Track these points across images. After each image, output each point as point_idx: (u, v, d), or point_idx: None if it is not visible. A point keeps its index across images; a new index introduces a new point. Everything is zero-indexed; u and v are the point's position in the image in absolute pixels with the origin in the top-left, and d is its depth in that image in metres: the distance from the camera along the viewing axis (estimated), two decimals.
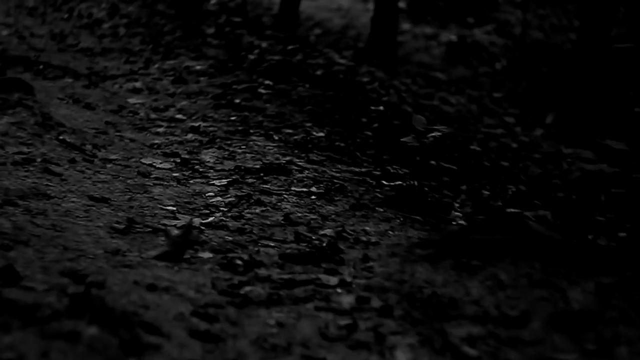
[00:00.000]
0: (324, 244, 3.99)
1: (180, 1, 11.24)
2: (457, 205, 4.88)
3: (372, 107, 6.86)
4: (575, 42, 9.08)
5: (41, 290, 3.15)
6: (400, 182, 4.97)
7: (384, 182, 5.01)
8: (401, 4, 13.46)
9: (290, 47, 8.59)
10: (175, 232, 3.86)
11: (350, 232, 4.19)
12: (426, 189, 4.97)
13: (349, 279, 3.70)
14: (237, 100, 6.60)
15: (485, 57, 15.75)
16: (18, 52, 7.15)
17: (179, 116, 6.12)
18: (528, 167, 6.81)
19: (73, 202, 4.20)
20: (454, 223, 4.51)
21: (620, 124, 7.37)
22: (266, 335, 3.16)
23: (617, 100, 8.24)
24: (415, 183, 4.82)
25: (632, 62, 8.78)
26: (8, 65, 6.41)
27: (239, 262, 3.78)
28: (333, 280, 3.69)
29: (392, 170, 5.37)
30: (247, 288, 3.56)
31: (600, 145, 5.56)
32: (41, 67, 6.61)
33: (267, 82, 7.19)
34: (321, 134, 5.84)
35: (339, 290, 3.61)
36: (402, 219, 4.37)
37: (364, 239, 4.12)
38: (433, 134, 4.60)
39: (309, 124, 6.11)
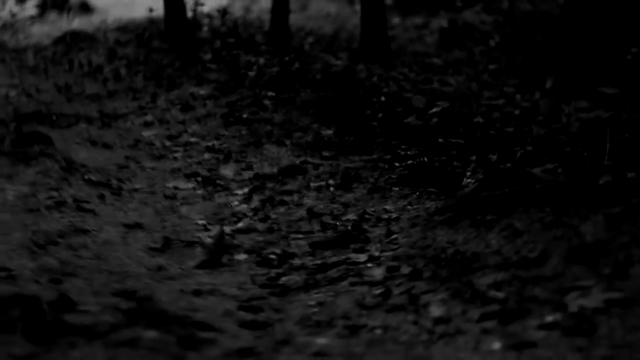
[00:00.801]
0: (349, 227, 4.24)
1: (172, 35, 11.53)
2: (468, 173, 5.12)
3: (374, 99, 7.11)
4: (563, 5, 9.29)
5: (96, 311, 3.41)
6: (411, 162, 5.21)
7: (396, 164, 5.25)
8: (388, 0, 13.71)
9: (287, 59, 8.85)
10: (209, 240, 4.12)
11: (371, 213, 4.44)
12: (437, 164, 5.22)
13: (377, 254, 3.95)
14: (245, 115, 6.87)
15: (478, 37, 15.96)
16: (29, 109, 7.44)
17: (192, 139, 6.39)
18: (532, 129, 7.03)
19: (109, 232, 4.46)
20: (466, 189, 4.75)
21: (613, 71, 7.59)
22: (309, 315, 3.42)
23: (608, 50, 8.46)
24: (426, 159, 5.07)
25: (619, 10, 8.99)
26: (22, 122, 6.69)
27: (272, 257, 4.04)
28: (362, 257, 3.94)
29: (402, 153, 5.62)
30: (284, 278, 3.82)
31: (595, 93, 5.79)
32: (54, 117, 6.89)
33: (270, 93, 7.46)
34: (330, 132, 6.10)
35: (369, 265, 3.86)
36: (418, 194, 4.61)
37: (385, 216, 4.36)
38: (434, 110, 4.84)
39: (316, 125, 6.37)
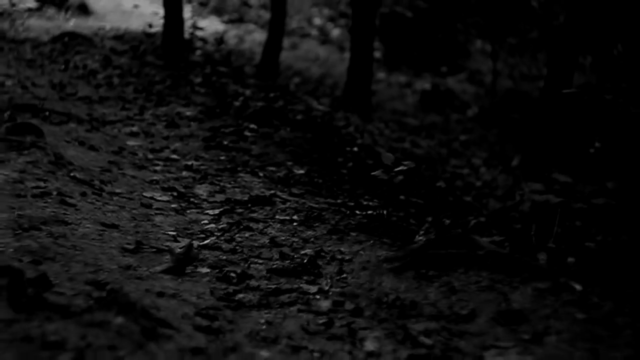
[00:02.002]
0: (305, 261, 4.66)
1: (167, 53, 11.96)
2: (421, 232, 5.55)
3: (348, 148, 7.56)
4: (541, 89, 9.77)
5: (71, 295, 3.82)
6: (371, 212, 5.64)
7: (357, 211, 5.69)
8: (376, 54, 14.20)
9: (272, 95, 9.30)
10: (178, 250, 4.54)
11: (327, 251, 4.86)
12: (394, 218, 5.67)
13: (326, 288, 4.37)
14: (225, 142, 7.30)
15: (458, 105, 16.44)
16: (24, 101, 7.82)
17: (173, 156, 6.80)
18: (488, 202, 7.47)
19: (88, 227, 4.86)
20: (415, 244, 5.19)
21: (573, 161, 8.07)
22: (258, 330, 3.83)
23: (573, 141, 8.94)
24: (385, 212, 5.51)
25: (588, 108, 9.50)
26: (17, 112, 7.08)
27: (232, 275, 4.45)
28: (313, 289, 4.36)
29: (364, 203, 6.05)
30: (240, 295, 4.23)
31: (549, 179, 6.26)
32: (47, 113, 7.29)
33: (251, 125, 7.90)
34: (301, 171, 6.53)
35: (317, 296, 4.28)
36: (372, 242, 5.04)
37: (339, 257, 4.78)
38: (400, 168, 5.28)
39: (290, 163, 6.80)
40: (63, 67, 10.07)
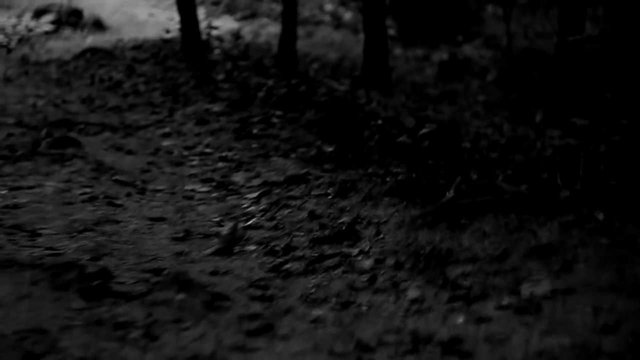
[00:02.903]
0: (343, 228, 4.95)
1: (187, 55, 12.29)
2: (451, 189, 5.81)
3: (372, 122, 7.84)
4: (556, 44, 9.99)
5: (131, 283, 4.13)
6: (401, 177, 5.92)
7: (387, 179, 5.97)
8: (390, 32, 14.42)
9: (293, 82, 9.58)
10: (224, 232, 4.85)
11: (364, 217, 5.15)
12: (424, 180, 5.94)
13: (366, 249, 4.66)
14: (255, 131, 7.61)
15: (477, 71, 16.63)
16: (57, 117, 8.16)
17: (207, 150, 7.12)
18: (514, 157, 7.73)
19: (137, 223, 5.17)
20: (445, 198, 5.46)
21: (591, 107, 8.30)
22: (308, 294, 4.13)
23: (590, 89, 9.17)
24: (414, 175, 5.79)
25: (601, 56, 9.72)
26: (53, 128, 7.42)
27: (277, 248, 4.76)
28: (354, 251, 4.66)
29: (393, 170, 6.33)
30: (287, 265, 4.53)
31: (568, 124, 6.51)
32: (82, 126, 7.62)
33: (277, 112, 8.20)
34: (330, 149, 6.82)
35: (359, 257, 4.58)
36: (405, 203, 5.32)
37: (375, 220, 5.07)
38: (423, 131, 5.56)
39: (319, 142, 7.09)
40: (89, 81, 10.41)
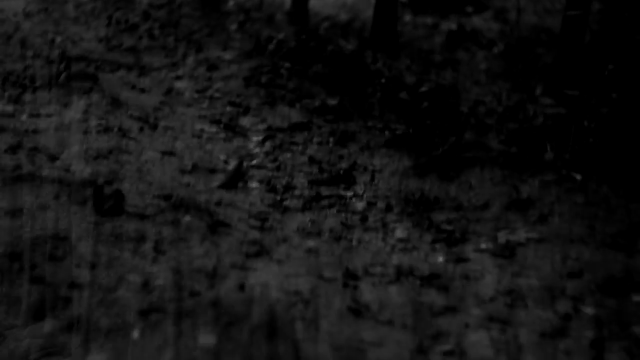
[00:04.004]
0: (341, 172, 5.30)
1: (202, 4, 12.58)
2: (445, 146, 6.15)
3: (376, 81, 8.18)
4: (562, 20, 10.27)
5: (142, 205, 4.48)
6: (399, 132, 6.27)
7: (386, 132, 6.32)
8: None
9: (303, 37, 9.89)
10: (230, 168, 5.20)
11: (360, 164, 5.50)
12: (420, 136, 6.29)
13: (360, 192, 5.02)
14: (263, 80, 7.95)
15: (484, 43, 16.91)
16: (75, 53, 8.49)
17: (217, 94, 7.46)
18: (509, 124, 8.07)
19: (148, 154, 5.52)
20: (437, 152, 5.81)
21: (584, 80, 8.63)
22: (303, 227, 4.49)
23: (588, 63, 9.48)
24: (411, 131, 6.14)
25: (603, 34, 10.03)
26: (71, 63, 7.75)
27: (278, 186, 5.11)
28: (349, 194, 5.01)
29: (392, 125, 6.68)
30: (287, 202, 4.89)
31: (561, 94, 6.85)
32: (99, 63, 7.95)
33: (286, 64, 8.54)
34: (334, 102, 7.17)
35: (353, 199, 4.93)
36: (400, 155, 5.67)
37: (370, 168, 5.42)
38: (422, 89, 5.89)
39: (323, 95, 7.44)
40: (106, 22, 10.71)
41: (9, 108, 6.19)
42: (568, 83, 9.50)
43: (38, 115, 5.99)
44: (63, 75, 6.87)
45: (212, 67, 8.45)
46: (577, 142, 6.04)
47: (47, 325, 3.10)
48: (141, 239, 3.91)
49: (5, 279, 3.40)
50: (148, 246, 3.82)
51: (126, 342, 2.94)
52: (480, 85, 11.34)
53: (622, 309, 3.67)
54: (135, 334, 2.97)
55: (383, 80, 8.17)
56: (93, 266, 3.57)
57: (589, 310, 3.64)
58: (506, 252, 4.09)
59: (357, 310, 3.50)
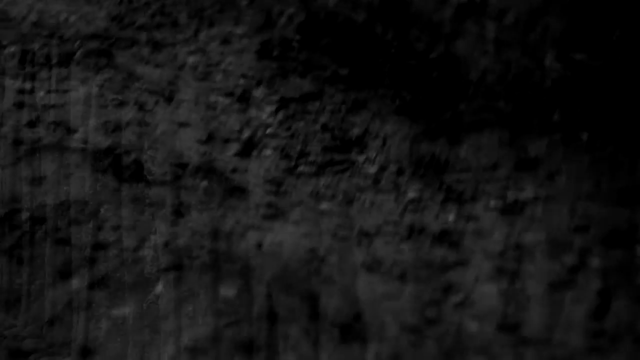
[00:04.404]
0: (353, 139, 5.42)
1: None
2: (455, 112, 6.25)
3: (386, 51, 8.29)
4: None
5: (161, 172, 4.62)
6: (409, 99, 6.38)
7: (396, 100, 6.43)
8: None
9: (313, 10, 10.00)
10: (244, 137, 5.34)
11: (372, 131, 5.62)
12: (430, 103, 6.40)
13: (372, 157, 5.14)
14: (275, 53, 8.07)
15: (494, 14, 16.91)
16: (89, 32, 8.63)
17: (230, 68, 7.59)
18: (517, 89, 8.14)
19: (164, 126, 5.65)
20: (447, 115, 5.91)
21: (598, 47, 8.71)
22: (317, 191, 4.62)
23: (599, 29, 9.54)
24: (421, 97, 6.25)
25: None
26: (85, 40, 7.89)
27: (292, 153, 5.24)
28: (361, 159, 5.14)
29: (403, 94, 6.79)
30: (301, 167, 5.02)
31: (569, 58, 6.94)
32: (112, 40, 8.09)
33: (297, 37, 8.65)
34: (345, 72, 7.29)
35: (366, 164, 5.06)
36: (410, 121, 5.79)
37: (382, 134, 5.54)
38: (432, 55, 5.99)
39: (334, 66, 7.56)
40: (119, 1, 10.83)
41: (27, 85, 6.33)
42: (577, 49, 9.57)
43: (56, 91, 6.13)
44: (78, 53, 7.00)
45: (224, 41, 8.57)
46: (584, 104, 6.13)
47: (73, 283, 3.24)
48: (161, 203, 4.04)
49: (32, 242, 3.54)
50: (168, 210, 3.95)
51: (150, 296, 3.08)
52: (489, 55, 11.44)
53: (627, 261, 3.79)
54: (159, 288, 3.11)
55: (393, 51, 8.27)
56: (116, 229, 3.70)
57: (595, 262, 3.76)
58: (515, 210, 4.21)
59: (371, 266, 3.64)
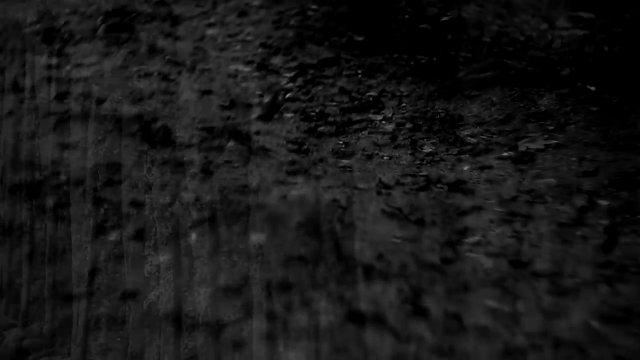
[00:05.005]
0: (370, 99, 5.64)
1: None
2: (468, 70, 6.43)
3: (400, 17, 8.48)
4: None
5: (187, 137, 4.85)
6: (424, 61, 6.58)
7: (411, 62, 6.64)
8: None
9: None
10: (265, 101, 5.56)
11: (389, 91, 5.83)
12: (444, 64, 6.60)
13: (389, 115, 5.36)
14: (292, 22, 8.28)
15: None
16: (110, 7, 8.85)
17: (248, 38, 7.80)
18: (529, 50, 8.32)
19: (188, 94, 5.88)
20: (460, 74, 6.11)
21: (601, 2, 8.87)
22: (338, 149, 4.84)
23: None
24: (435, 59, 6.45)
25: None
26: (107, 17, 8.11)
27: (312, 115, 5.46)
28: (379, 117, 5.35)
29: (418, 56, 6.99)
30: (321, 128, 5.24)
31: (576, 17, 7.13)
32: (133, 15, 8.30)
33: (313, 6, 8.85)
34: (361, 38, 7.49)
35: (383, 122, 5.27)
36: (425, 81, 5.99)
37: (397, 94, 5.75)
38: (443, 19, 6.19)
39: (350, 32, 7.76)
40: None
41: (54, 61, 6.57)
42: (586, 8, 9.72)
43: (81, 65, 6.36)
44: (100, 29, 7.22)
45: (242, 13, 8.78)
46: (592, 59, 6.31)
47: (112, 237, 3.47)
48: (190, 163, 4.27)
49: (72, 201, 3.78)
50: (196, 169, 4.18)
51: (185, 245, 3.32)
52: (502, 18, 11.60)
53: (634, 200, 4.00)
54: (193, 237, 3.34)
55: (406, 16, 8.46)
56: (148, 188, 3.93)
57: (603, 202, 3.98)
58: (526, 158, 4.42)
59: (391, 213, 3.86)
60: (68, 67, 6.27)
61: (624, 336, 3.15)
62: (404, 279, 3.43)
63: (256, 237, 3.40)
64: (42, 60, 6.60)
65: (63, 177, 3.95)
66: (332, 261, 3.34)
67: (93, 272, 3.22)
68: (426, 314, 3.36)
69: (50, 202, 3.75)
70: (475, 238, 3.67)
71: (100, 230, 3.53)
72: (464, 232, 3.76)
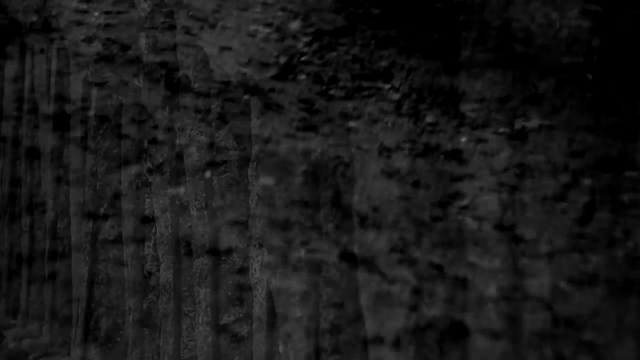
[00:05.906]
0: (380, 69, 5.94)
1: None
2: (475, 49, 6.73)
3: None
4: None
5: (206, 87, 5.16)
6: (435, 37, 6.87)
7: (423, 39, 6.93)
8: None
9: None
10: (281, 62, 5.87)
11: (398, 63, 6.14)
12: (454, 42, 6.88)
13: (397, 85, 5.67)
14: None
15: None
16: None
17: (270, 1, 8.10)
18: (537, 37, 8.59)
19: (209, 49, 6.18)
20: (465, 54, 6.41)
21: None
22: (347, 112, 5.16)
23: None
24: (445, 36, 6.75)
25: None
26: None
27: (324, 78, 5.77)
28: (387, 86, 5.66)
29: (430, 33, 7.27)
30: (331, 91, 5.55)
31: (582, 10, 7.41)
32: None
33: None
34: (377, 12, 7.79)
35: (390, 91, 5.59)
36: (434, 57, 6.29)
37: (407, 67, 6.06)
38: (458, 0, 6.47)
39: (367, 4, 8.06)
40: None
41: (83, 5, 6.87)
42: (594, 1, 9.96)
43: (109, 13, 6.67)
44: None
45: None
46: (596, 50, 6.59)
47: (134, 169, 3.80)
48: (207, 111, 4.59)
49: (97, 134, 4.11)
50: (213, 116, 4.50)
51: (201, 181, 3.65)
52: (514, 5, 11.88)
53: (615, 182, 4.33)
54: (207, 174, 3.67)
55: None
56: (168, 129, 4.26)
57: (586, 181, 4.30)
58: (520, 136, 4.74)
59: (389, 173, 4.19)
60: (96, 13, 6.57)
61: (587, 296, 3.48)
62: (395, 231, 3.75)
63: (264, 180, 3.72)
64: (73, 4, 6.90)
65: (91, 112, 4.27)
66: (331, 208, 3.66)
67: (116, 196, 3.55)
68: (412, 262, 3.69)
69: (77, 133, 4.07)
70: (464, 202, 3.99)
71: (123, 162, 3.85)
72: (455, 196, 4.08)
